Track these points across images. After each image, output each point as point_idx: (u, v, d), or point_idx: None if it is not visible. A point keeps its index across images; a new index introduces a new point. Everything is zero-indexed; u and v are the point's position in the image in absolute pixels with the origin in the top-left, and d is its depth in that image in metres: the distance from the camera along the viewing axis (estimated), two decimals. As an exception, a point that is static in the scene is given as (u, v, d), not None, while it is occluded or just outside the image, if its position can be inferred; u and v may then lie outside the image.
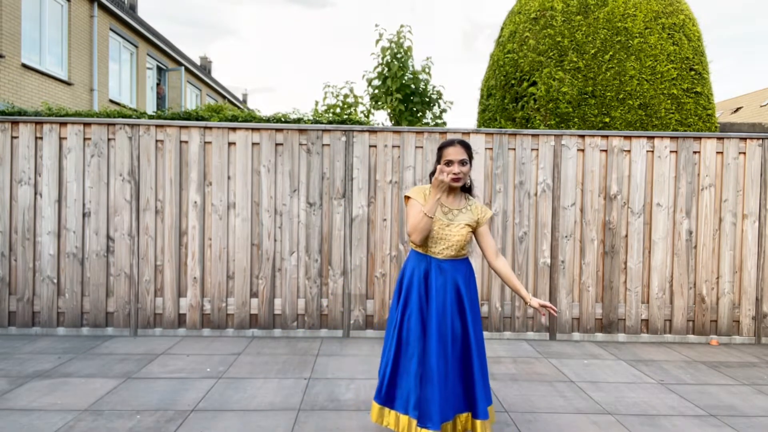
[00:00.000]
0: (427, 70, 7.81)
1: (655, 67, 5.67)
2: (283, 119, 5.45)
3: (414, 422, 2.48)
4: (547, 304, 2.60)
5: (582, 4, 5.88)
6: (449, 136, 4.99)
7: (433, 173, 2.57)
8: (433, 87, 7.86)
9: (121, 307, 4.90)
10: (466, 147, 2.60)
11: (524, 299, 2.64)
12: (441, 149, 2.61)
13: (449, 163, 2.55)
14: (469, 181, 2.74)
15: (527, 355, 4.53)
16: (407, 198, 2.68)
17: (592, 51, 5.71)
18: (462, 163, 2.55)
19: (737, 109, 29.39)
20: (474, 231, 2.69)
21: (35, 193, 4.87)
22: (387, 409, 2.60)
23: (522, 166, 5.02)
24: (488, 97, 6.76)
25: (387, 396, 2.60)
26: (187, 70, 19.09)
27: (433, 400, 2.43)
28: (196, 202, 4.93)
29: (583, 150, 5.04)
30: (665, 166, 5.04)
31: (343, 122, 5.65)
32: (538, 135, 5.02)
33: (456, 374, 2.55)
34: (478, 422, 2.52)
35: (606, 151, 5.04)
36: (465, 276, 2.64)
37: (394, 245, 4.99)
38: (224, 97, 24.43)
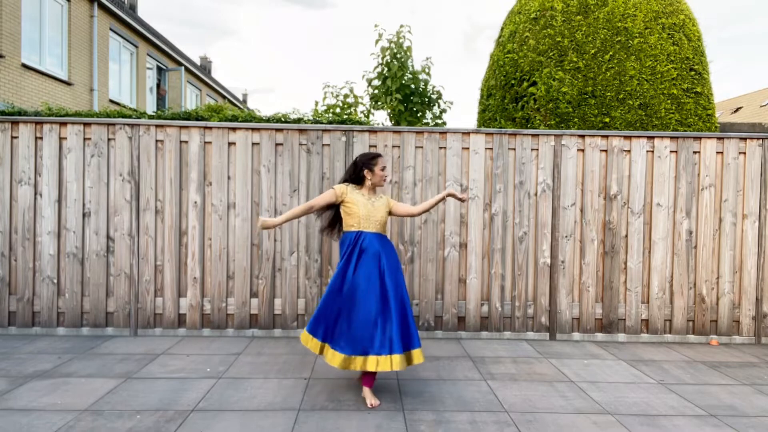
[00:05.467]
0: (426, 70, 7.82)
1: (655, 67, 5.67)
2: (283, 119, 5.45)
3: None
4: (450, 191, 3.57)
5: (582, 4, 5.88)
6: (449, 136, 5.00)
7: (351, 179, 3.61)
8: (433, 87, 7.87)
9: (121, 307, 4.90)
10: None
11: (438, 200, 3.62)
12: (376, 158, 3.56)
13: (384, 168, 3.59)
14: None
15: (527, 355, 4.52)
16: (331, 189, 3.55)
17: (592, 51, 5.71)
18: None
19: (737, 109, 29.38)
20: (390, 212, 3.64)
21: (35, 193, 4.87)
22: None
23: (522, 166, 5.02)
24: (488, 97, 6.76)
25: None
26: (187, 70, 19.09)
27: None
28: (196, 202, 4.93)
29: (583, 150, 5.04)
30: (665, 166, 5.04)
31: (343, 122, 5.65)
32: (538, 135, 5.02)
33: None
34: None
35: (606, 151, 5.04)
36: (385, 246, 3.48)
37: (394, 245, 4.98)
38: (224, 97, 24.43)
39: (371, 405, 3.26)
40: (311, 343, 3.41)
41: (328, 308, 3.37)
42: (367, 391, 3.33)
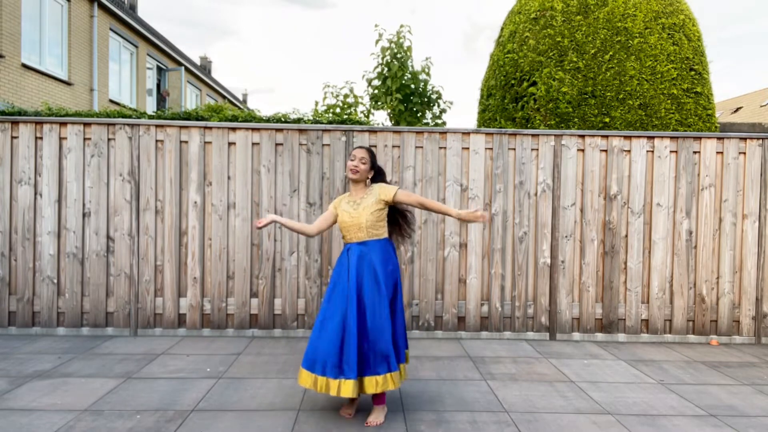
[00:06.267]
0: (426, 70, 7.82)
1: (655, 67, 5.67)
2: (283, 119, 5.45)
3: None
4: (472, 211, 3.01)
5: (582, 4, 5.88)
6: (449, 136, 5.00)
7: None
8: (433, 87, 7.87)
9: (121, 307, 4.90)
10: (368, 151, 3.17)
11: (452, 215, 3.06)
12: (352, 152, 3.17)
13: (353, 158, 3.11)
14: (368, 176, 3.18)
15: (527, 355, 4.52)
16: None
17: (592, 51, 5.71)
18: (362, 161, 3.10)
19: (737, 109, 29.38)
20: (392, 206, 3.18)
21: (35, 193, 4.87)
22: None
23: (522, 166, 5.02)
24: (488, 97, 6.76)
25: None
26: (187, 70, 19.09)
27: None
28: (196, 202, 4.93)
29: (583, 150, 5.04)
30: (665, 166, 5.04)
31: (343, 122, 5.65)
32: (538, 135, 5.02)
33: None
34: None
35: (606, 151, 5.04)
36: (379, 253, 3.07)
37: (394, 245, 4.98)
38: (224, 97, 24.43)
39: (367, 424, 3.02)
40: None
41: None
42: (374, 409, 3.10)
